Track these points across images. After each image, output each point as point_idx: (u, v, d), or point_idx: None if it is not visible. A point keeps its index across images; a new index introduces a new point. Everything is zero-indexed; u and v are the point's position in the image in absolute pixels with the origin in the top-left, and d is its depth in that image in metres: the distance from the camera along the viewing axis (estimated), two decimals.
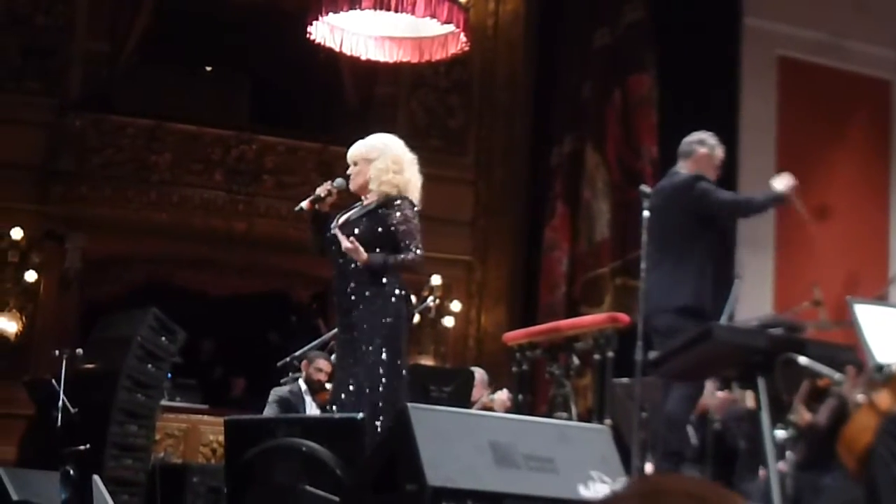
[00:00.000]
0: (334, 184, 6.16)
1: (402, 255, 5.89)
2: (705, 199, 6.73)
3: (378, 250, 5.91)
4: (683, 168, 6.94)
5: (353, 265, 5.91)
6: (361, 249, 5.80)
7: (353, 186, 6.15)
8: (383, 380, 5.79)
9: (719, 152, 7.07)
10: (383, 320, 5.86)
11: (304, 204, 6.14)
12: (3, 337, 12.64)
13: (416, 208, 6.03)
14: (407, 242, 5.91)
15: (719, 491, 1.40)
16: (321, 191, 6.14)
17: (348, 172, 6.18)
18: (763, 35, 13.13)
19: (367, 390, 5.76)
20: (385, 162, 6.04)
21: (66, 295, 13.06)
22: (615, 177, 13.04)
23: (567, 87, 13.97)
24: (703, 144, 6.98)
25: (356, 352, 5.86)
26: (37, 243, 12.95)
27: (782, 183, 6.88)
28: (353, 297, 5.91)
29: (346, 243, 5.82)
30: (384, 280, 5.89)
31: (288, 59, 13.74)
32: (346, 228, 6.00)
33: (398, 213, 5.94)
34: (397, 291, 5.93)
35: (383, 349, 5.83)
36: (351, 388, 5.83)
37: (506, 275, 14.46)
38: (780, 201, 7.01)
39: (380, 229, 5.94)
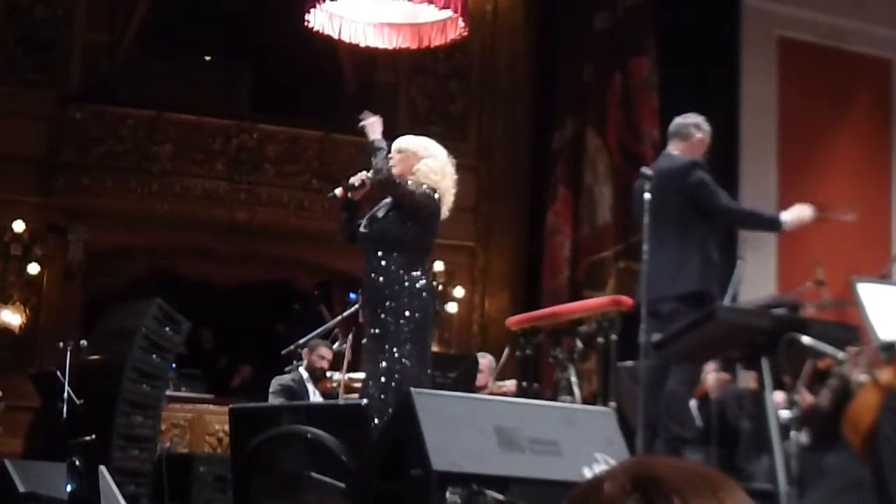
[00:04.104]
0: (369, 175, 6.22)
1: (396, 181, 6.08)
2: (702, 191, 6.69)
3: (405, 248, 6.00)
4: (676, 149, 6.91)
5: (382, 262, 5.99)
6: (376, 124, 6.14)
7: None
8: (410, 372, 5.84)
9: (709, 138, 7.06)
10: (410, 315, 5.92)
11: (338, 191, 6.28)
12: (7, 330, 12.65)
13: (438, 202, 6.12)
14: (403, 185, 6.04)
15: (711, 472, 1.41)
16: (355, 180, 6.24)
17: (389, 156, 6.25)
18: (763, 16, 13.11)
19: (394, 383, 5.81)
20: (435, 164, 6.19)
21: (69, 287, 13.06)
22: (617, 160, 13.03)
23: (567, 72, 13.95)
24: (699, 129, 6.95)
25: (384, 345, 5.92)
26: (39, 236, 12.95)
27: (795, 217, 6.81)
28: (381, 293, 5.98)
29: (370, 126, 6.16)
30: (412, 275, 5.97)
31: (287, 48, 13.73)
32: (375, 225, 6.09)
33: (413, 186, 6.05)
34: (424, 286, 6.02)
35: (409, 343, 5.89)
36: (381, 380, 5.89)
37: (509, 260, 14.46)
38: (777, 230, 7.01)
39: (401, 213, 6.04)
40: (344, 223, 6.33)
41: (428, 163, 6.19)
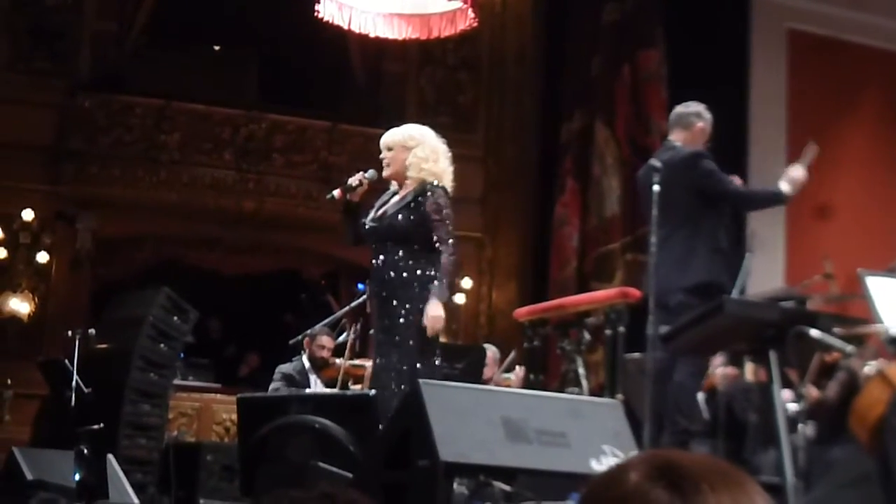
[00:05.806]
0: (366, 175, 6.20)
1: (444, 263, 5.98)
2: (710, 181, 6.67)
3: (415, 246, 5.97)
4: (678, 139, 6.88)
5: (392, 254, 5.97)
6: (436, 325, 5.89)
7: (387, 173, 6.19)
8: (419, 364, 5.84)
9: (710, 126, 7.02)
10: (421, 307, 5.90)
11: (336, 192, 6.23)
12: (15, 318, 12.68)
13: (448, 196, 6.08)
14: (441, 235, 5.96)
15: (730, 465, 1.42)
16: (353, 180, 6.20)
17: (381, 157, 6.21)
18: (773, 8, 13.09)
19: (407, 375, 5.80)
20: (424, 151, 6.11)
21: (77, 275, 13.09)
22: (625, 152, 13.02)
23: (576, 63, 13.93)
24: (700, 118, 6.91)
25: (395, 337, 5.91)
26: (48, 224, 12.97)
27: (791, 182, 6.79)
28: (392, 286, 5.96)
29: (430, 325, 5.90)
30: (422, 267, 5.95)
31: (296, 38, 13.72)
32: (385, 220, 6.05)
33: (431, 202, 5.99)
34: (434, 279, 6.00)
35: (421, 335, 5.88)
36: (391, 372, 5.88)
37: (516, 251, 14.45)
38: (783, 202, 6.99)
39: (415, 217, 5.99)
40: (347, 227, 6.28)
41: (417, 152, 6.09)
